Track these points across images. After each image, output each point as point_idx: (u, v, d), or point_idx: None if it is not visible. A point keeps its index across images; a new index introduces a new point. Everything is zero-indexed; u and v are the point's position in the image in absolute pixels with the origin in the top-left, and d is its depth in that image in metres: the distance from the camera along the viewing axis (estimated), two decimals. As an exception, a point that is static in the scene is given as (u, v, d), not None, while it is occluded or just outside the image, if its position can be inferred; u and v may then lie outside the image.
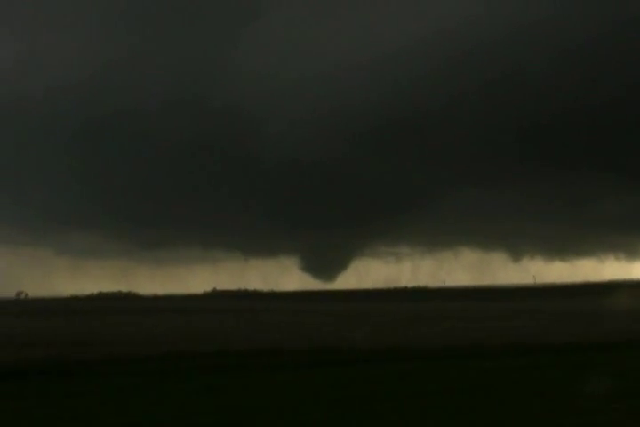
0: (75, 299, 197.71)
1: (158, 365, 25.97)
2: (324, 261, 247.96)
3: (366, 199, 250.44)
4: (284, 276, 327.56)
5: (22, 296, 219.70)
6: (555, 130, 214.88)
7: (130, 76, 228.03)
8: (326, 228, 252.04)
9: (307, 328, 48.47)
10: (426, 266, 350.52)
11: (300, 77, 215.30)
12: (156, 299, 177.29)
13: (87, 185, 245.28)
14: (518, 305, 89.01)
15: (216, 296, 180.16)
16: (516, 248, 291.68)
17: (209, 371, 24.38)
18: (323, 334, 42.37)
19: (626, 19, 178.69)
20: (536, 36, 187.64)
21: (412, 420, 13.98)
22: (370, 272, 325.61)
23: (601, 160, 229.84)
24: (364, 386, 19.27)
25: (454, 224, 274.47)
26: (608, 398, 15.21)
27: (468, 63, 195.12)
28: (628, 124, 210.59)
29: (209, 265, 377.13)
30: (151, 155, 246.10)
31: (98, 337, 41.10)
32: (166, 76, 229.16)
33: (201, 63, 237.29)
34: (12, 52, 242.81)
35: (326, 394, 17.92)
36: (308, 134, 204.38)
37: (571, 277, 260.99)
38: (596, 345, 30.08)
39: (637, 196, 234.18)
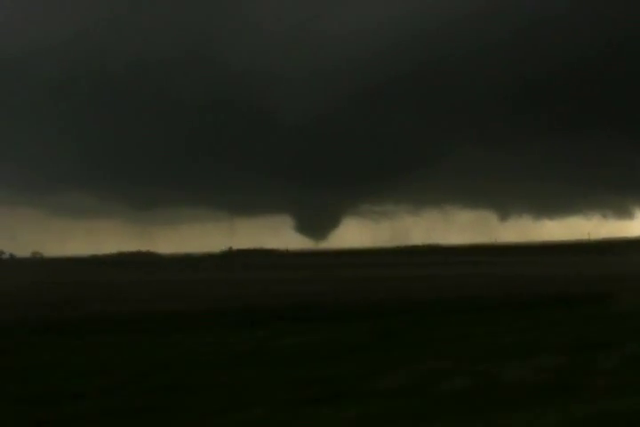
0: (96, 258, 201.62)
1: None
2: (316, 220, 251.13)
3: (360, 158, 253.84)
4: (275, 234, 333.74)
5: (38, 257, 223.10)
6: (554, 86, 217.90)
7: (131, 30, 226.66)
8: (316, 185, 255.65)
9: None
10: (422, 224, 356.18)
11: (297, 32, 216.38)
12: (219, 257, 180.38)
13: (80, 144, 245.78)
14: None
15: (239, 255, 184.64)
16: (503, 207, 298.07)
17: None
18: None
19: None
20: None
21: None
22: (362, 231, 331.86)
23: (601, 119, 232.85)
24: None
25: (442, 183, 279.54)
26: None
27: (473, 19, 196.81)
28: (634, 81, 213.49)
29: (199, 224, 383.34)
30: (145, 112, 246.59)
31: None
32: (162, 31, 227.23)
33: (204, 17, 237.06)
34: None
35: None
36: (302, 91, 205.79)
37: (561, 235, 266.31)
38: None
39: (628, 154, 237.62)
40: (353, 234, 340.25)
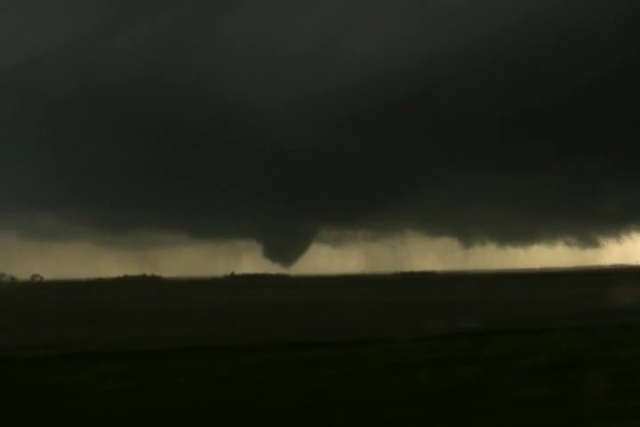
0: (101, 282, 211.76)
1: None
2: (283, 245, 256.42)
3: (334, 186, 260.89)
4: (240, 259, 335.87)
5: (37, 280, 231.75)
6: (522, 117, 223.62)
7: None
8: (287, 209, 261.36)
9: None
10: (386, 251, 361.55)
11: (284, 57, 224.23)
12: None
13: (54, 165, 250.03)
14: None
15: (243, 279, 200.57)
16: (466, 234, 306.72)
17: None
18: None
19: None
20: (547, 16, 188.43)
21: None
22: (321, 258, 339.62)
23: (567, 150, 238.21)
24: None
25: (404, 211, 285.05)
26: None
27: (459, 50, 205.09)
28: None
29: (166, 248, 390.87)
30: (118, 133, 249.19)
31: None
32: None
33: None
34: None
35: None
36: (280, 119, 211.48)
37: (525, 263, 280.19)
38: None
39: (595, 184, 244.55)
40: (320, 260, 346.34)
